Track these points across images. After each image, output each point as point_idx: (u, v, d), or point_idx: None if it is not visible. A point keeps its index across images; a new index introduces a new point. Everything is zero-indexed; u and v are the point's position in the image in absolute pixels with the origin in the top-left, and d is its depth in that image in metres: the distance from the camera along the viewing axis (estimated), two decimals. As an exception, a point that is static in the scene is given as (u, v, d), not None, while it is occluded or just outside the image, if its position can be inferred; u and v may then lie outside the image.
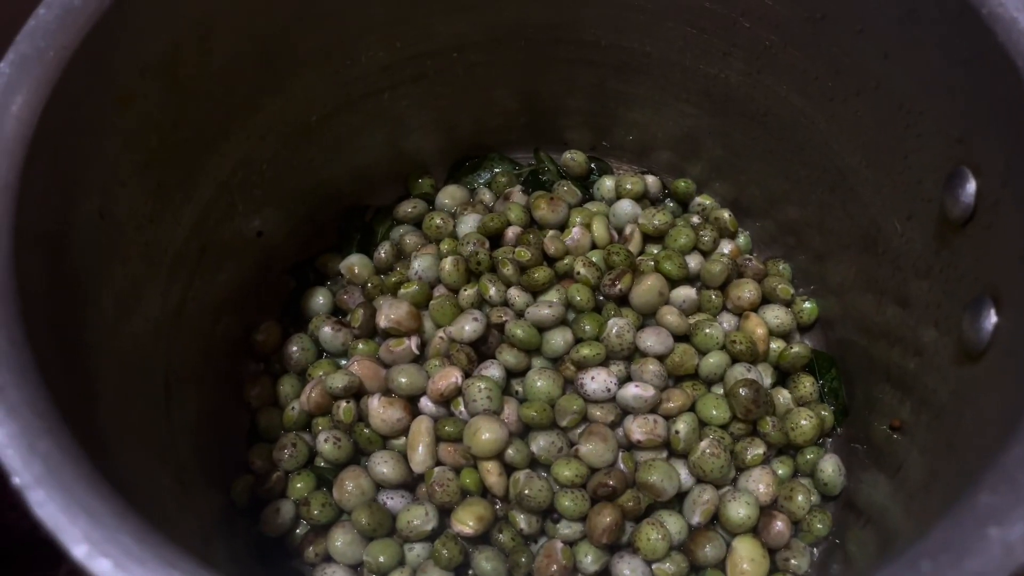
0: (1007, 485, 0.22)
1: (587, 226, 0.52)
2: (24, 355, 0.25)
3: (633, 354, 0.47)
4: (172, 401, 0.40)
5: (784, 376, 0.49)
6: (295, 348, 0.49)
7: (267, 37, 0.41)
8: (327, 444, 0.45)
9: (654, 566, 0.42)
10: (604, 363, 0.46)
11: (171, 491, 0.36)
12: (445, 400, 0.45)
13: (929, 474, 0.34)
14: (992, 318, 0.31)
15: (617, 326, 0.46)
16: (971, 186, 0.33)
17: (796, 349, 0.47)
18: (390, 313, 0.48)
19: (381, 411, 0.45)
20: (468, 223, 0.53)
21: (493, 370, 0.46)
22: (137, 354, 0.37)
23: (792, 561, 0.43)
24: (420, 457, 0.44)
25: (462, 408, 0.45)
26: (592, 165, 0.57)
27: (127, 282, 0.37)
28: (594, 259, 0.50)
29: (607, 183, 0.55)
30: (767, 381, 0.48)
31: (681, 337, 0.48)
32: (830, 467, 0.45)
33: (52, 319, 0.29)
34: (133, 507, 0.24)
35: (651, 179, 0.55)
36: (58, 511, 0.22)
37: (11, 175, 0.29)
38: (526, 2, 0.46)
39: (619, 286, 0.48)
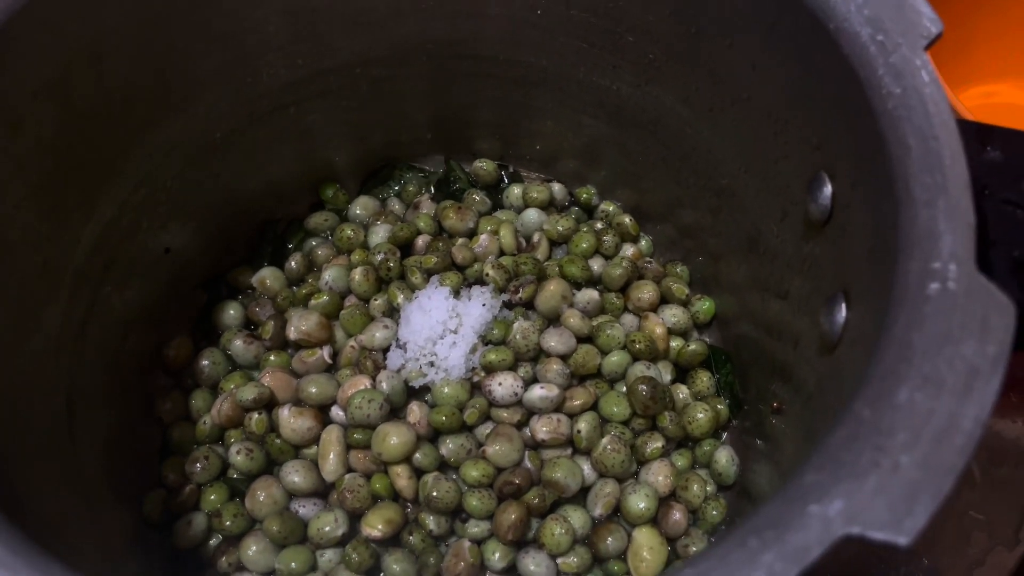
0: (831, 464, 0.24)
1: (495, 233, 0.54)
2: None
3: (538, 355, 0.49)
4: (76, 419, 0.40)
5: (683, 372, 0.51)
6: (206, 362, 0.50)
7: (162, 58, 0.42)
8: (239, 456, 0.46)
9: (559, 560, 0.44)
10: (511, 367, 0.47)
11: (76, 511, 0.37)
12: (355, 408, 0.46)
13: (796, 458, 0.36)
14: (843, 312, 0.33)
15: (522, 328, 0.48)
16: (827, 189, 0.36)
17: (693, 347, 0.50)
18: (300, 324, 0.49)
19: (292, 421, 0.46)
20: (379, 233, 0.54)
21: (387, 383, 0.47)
22: (36, 373, 0.38)
23: (691, 548, 0.45)
24: (331, 466, 0.45)
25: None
26: (502, 173, 0.58)
27: (24, 301, 0.37)
28: (504, 262, 0.52)
29: (515, 191, 0.57)
30: (666, 378, 0.50)
31: (584, 338, 0.50)
32: (724, 458, 0.47)
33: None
34: (29, 533, 0.24)
35: (557, 187, 0.57)
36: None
37: None
38: (424, 19, 0.48)
39: (521, 295, 0.50)
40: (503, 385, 0.46)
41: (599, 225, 0.56)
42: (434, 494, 0.44)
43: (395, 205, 0.57)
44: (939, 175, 0.29)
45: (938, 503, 0.23)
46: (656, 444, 0.47)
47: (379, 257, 0.52)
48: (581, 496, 0.46)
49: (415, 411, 0.46)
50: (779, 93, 0.39)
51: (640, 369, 0.48)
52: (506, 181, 0.59)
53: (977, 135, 0.37)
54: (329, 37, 0.47)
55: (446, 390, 0.47)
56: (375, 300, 0.51)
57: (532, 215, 0.56)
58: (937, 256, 0.27)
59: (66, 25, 0.37)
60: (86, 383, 0.42)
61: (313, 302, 0.51)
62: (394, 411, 0.47)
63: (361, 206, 0.57)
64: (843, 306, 0.34)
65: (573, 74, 0.50)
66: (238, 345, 0.50)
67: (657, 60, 0.45)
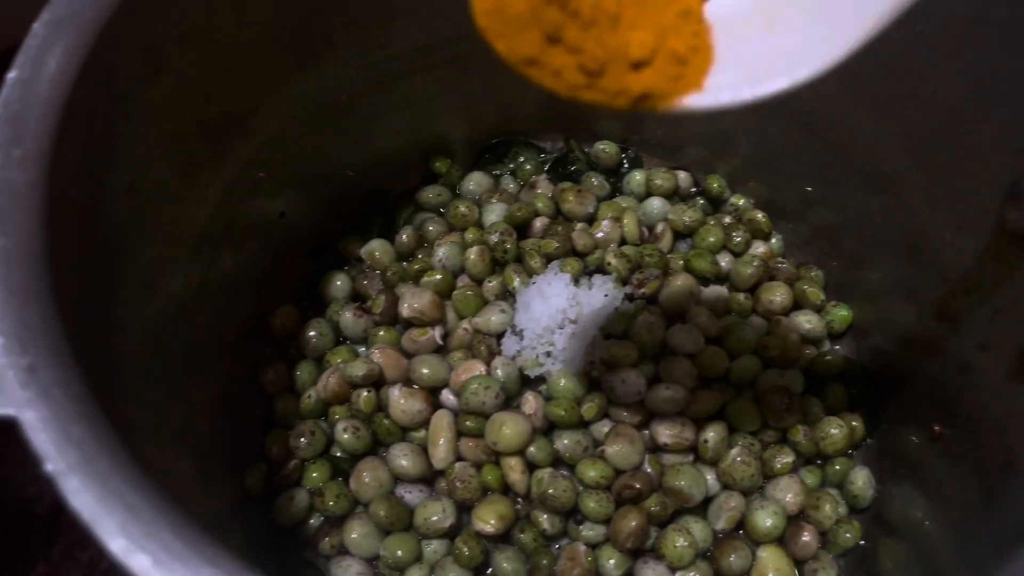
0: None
1: (617, 220, 0.51)
2: (56, 333, 0.24)
3: (661, 352, 0.46)
4: (192, 383, 0.39)
5: (814, 383, 0.48)
6: (313, 333, 0.48)
7: (304, 10, 0.40)
8: (345, 434, 0.44)
9: (679, 574, 0.41)
10: (635, 364, 0.44)
11: (193, 478, 0.35)
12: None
13: (983, 495, 0.33)
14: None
15: (647, 323, 0.45)
16: (1034, 199, 0.32)
17: (829, 357, 0.46)
18: (413, 302, 0.47)
19: (402, 402, 0.44)
20: (494, 212, 0.52)
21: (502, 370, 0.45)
22: (159, 334, 0.36)
23: (820, 573, 0.42)
24: (441, 453, 0.43)
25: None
26: (623, 157, 0.55)
27: (152, 260, 0.36)
28: (627, 251, 0.49)
29: (637, 177, 0.54)
30: (798, 388, 0.46)
31: (711, 339, 0.47)
32: (861, 479, 0.44)
33: (82, 295, 0.28)
34: (169, 498, 0.22)
35: (682, 175, 0.54)
36: (94, 501, 0.21)
37: (44, 141, 0.27)
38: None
39: (645, 289, 0.47)
40: (626, 382, 0.43)
41: (727, 219, 0.52)
42: (550, 492, 0.41)
43: (509, 184, 0.55)
44: None
45: None
46: (786, 459, 0.44)
47: (495, 237, 0.50)
48: (700, 506, 0.44)
49: (531, 402, 0.44)
50: (974, 90, 0.35)
51: (772, 377, 0.45)
52: (626, 166, 0.56)
53: None
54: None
55: (563, 382, 0.44)
56: (489, 282, 0.48)
57: (656, 204, 0.52)
58: None
59: (215, -32, 0.34)
60: (200, 348, 0.40)
61: (426, 279, 0.48)
62: (507, 400, 0.44)
63: (475, 182, 0.54)
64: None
65: (720, 55, 0.46)
66: (347, 318, 0.48)
67: (825, 45, 0.42)
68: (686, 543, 0.41)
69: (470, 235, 0.50)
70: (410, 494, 0.43)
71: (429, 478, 0.44)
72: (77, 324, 0.26)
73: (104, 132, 0.31)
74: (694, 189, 0.55)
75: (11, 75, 0.28)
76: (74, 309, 0.26)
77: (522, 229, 0.51)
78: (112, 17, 0.30)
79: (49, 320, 0.24)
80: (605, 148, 0.55)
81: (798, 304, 0.49)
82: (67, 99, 0.28)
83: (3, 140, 0.26)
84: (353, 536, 0.42)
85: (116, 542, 0.20)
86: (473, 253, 0.49)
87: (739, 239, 0.51)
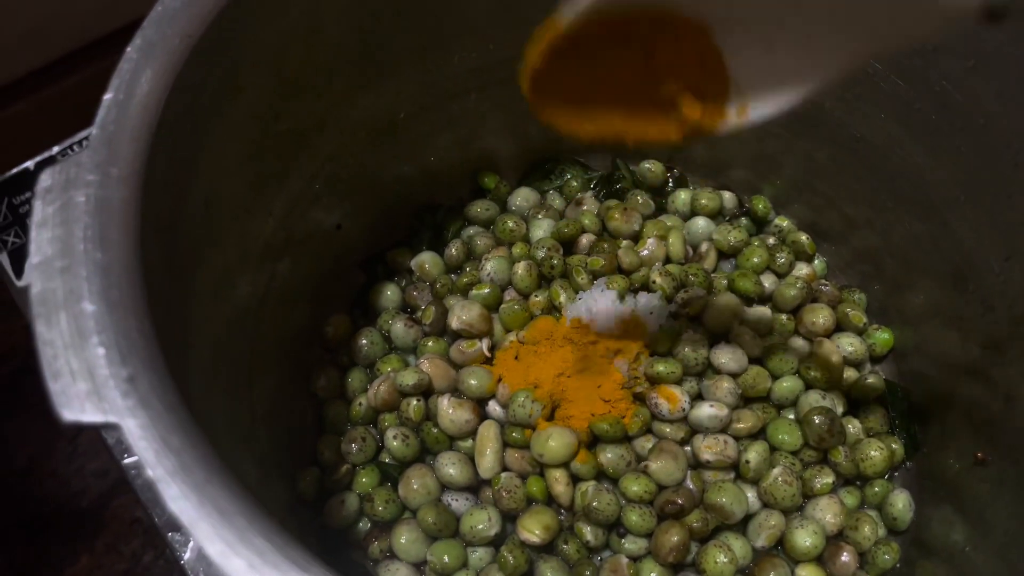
0: None
1: (662, 239, 0.52)
2: (152, 345, 0.25)
3: (705, 370, 0.47)
4: (254, 388, 0.40)
5: (854, 405, 0.48)
6: (364, 342, 0.49)
7: (370, 32, 0.41)
8: (395, 441, 0.45)
9: (718, 589, 0.42)
10: (679, 381, 0.45)
11: (256, 481, 0.37)
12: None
13: (1012, 521, 0.33)
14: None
15: (692, 341, 0.46)
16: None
17: (871, 380, 0.47)
18: (462, 315, 0.48)
19: (450, 412, 0.45)
20: (541, 228, 0.53)
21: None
22: (228, 342, 0.38)
23: (857, 593, 0.43)
24: (488, 463, 0.44)
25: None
26: (668, 176, 0.56)
27: (222, 270, 0.37)
28: (671, 270, 0.50)
29: (682, 196, 0.55)
30: (839, 410, 0.47)
31: (754, 359, 0.47)
32: (901, 502, 0.44)
33: (168, 308, 0.29)
34: (258, 509, 0.24)
35: (728, 195, 0.55)
36: (191, 508, 0.22)
37: (137, 162, 0.29)
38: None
39: (687, 310, 0.48)
40: (670, 399, 0.44)
41: (771, 240, 0.53)
42: (594, 504, 0.42)
43: (555, 200, 0.56)
44: None
45: None
46: (827, 479, 0.44)
47: (541, 253, 0.51)
48: (741, 524, 0.44)
49: (576, 416, 0.45)
50: (1027, 123, 0.36)
51: (815, 398, 0.46)
52: (671, 185, 0.57)
53: None
54: (525, 23, 0.46)
55: (608, 398, 0.45)
56: (535, 297, 0.49)
57: (700, 223, 0.53)
58: None
59: (293, -6, 0.36)
60: (261, 355, 0.42)
61: (474, 292, 0.50)
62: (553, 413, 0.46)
63: (522, 197, 0.55)
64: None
65: (771, 81, 0.47)
66: (399, 328, 0.49)
67: (876, 75, 0.42)
68: (726, 559, 0.42)
69: (517, 250, 0.52)
70: (456, 502, 0.45)
71: (475, 487, 0.45)
72: (166, 335, 0.28)
73: (187, 150, 0.32)
74: (739, 209, 0.56)
75: (107, 96, 0.30)
76: (163, 321, 0.28)
77: (568, 245, 0.52)
78: (198, 42, 0.32)
79: (145, 332, 0.26)
80: (651, 167, 0.56)
81: (840, 326, 0.50)
82: (157, 119, 0.30)
83: (101, 160, 0.28)
84: (401, 541, 0.43)
85: (213, 546, 0.22)
86: (520, 268, 0.50)
87: (783, 260, 0.51)
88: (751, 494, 0.44)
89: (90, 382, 0.24)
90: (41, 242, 0.26)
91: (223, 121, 0.35)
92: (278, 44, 0.37)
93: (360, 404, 0.47)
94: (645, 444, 0.45)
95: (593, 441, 0.45)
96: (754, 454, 0.44)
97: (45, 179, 0.27)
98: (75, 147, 0.52)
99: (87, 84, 0.64)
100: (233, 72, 0.35)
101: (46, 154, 0.52)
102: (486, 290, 0.50)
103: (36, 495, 0.66)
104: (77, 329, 0.24)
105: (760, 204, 0.54)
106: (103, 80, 0.30)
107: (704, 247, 0.52)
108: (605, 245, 0.51)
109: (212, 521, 0.22)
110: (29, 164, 0.52)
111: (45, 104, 0.67)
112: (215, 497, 0.23)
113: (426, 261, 0.52)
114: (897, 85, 0.42)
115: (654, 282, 0.49)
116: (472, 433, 0.46)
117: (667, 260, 0.52)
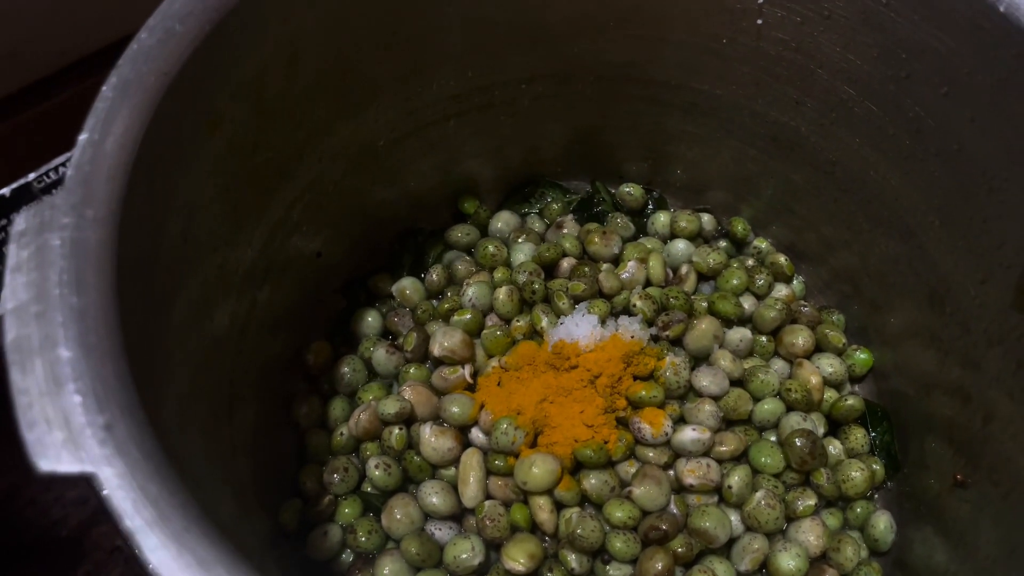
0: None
1: (642, 261, 0.52)
2: (130, 389, 0.25)
3: (687, 393, 0.47)
4: (234, 418, 0.40)
5: (835, 426, 0.49)
6: (346, 369, 0.49)
7: (350, 60, 0.41)
8: (377, 470, 0.45)
9: (704, 614, 0.42)
10: (660, 404, 0.46)
11: (233, 514, 0.36)
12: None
13: (1008, 549, 0.33)
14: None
15: (672, 365, 0.46)
16: (1059, 260, 0.33)
17: (850, 401, 0.47)
18: (444, 341, 0.48)
19: (433, 440, 0.45)
20: (522, 252, 0.53)
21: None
22: (207, 372, 0.37)
23: (841, 615, 0.43)
24: (471, 491, 0.44)
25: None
26: (648, 199, 0.57)
27: (201, 303, 0.37)
28: (652, 293, 0.50)
29: (662, 218, 0.55)
30: (819, 431, 0.47)
31: (735, 381, 0.48)
32: (882, 523, 0.44)
33: (146, 346, 0.29)
34: (237, 556, 0.23)
35: (707, 218, 0.55)
36: (170, 559, 0.22)
37: (113, 202, 0.28)
38: (602, 40, 0.46)
39: (669, 333, 0.48)
40: (653, 423, 0.45)
41: (750, 262, 0.54)
42: (579, 532, 0.42)
43: (536, 223, 0.56)
44: None
45: None
46: (809, 501, 0.45)
47: (523, 277, 0.51)
48: (725, 548, 0.44)
49: (559, 442, 0.45)
50: (1002, 150, 0.37)
51: (795, 420, 0.46)
52: (651, 207, 0.57)
53: None
54: (504, 51, 0.46)
55: (591, 423, 0.45)
56: (517, 322, 0.49)
57: (680, 246, 0.54)
58: None
59: (270, 25, 0.36)
60: (241, 384, 0.42)
61: (456, 318, 0.50)
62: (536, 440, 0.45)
63: (503, 221, 0.55)
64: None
65: (748, 105, 0.48)
66: (380, 354, 0.49)
67: (850, 100, 0.43)
68: (711, 584, 0.42)
69: (499, 274, 0.52)
70: (440, 531, 0.44)
71: (459, 515, 0.45)
72: (143, 374, 0.27)
73: (165, 186, 0.32)
74: (718, 231, 0.56)
75: (82, 137, 0.29)
76: (140, 359, 0.28)
77: (549, 268, 0.52)
78: (175, 79, 0.31)
79: (122, 375, 0.25)
80: (630, 191, 0.56)
81: (820, 347, 0.50)
82: (134, 158, 0.30)
83: (76, 201, 0.28)
84: (385, 572, 0.43)
85: (192, 597, 0.22)
86: (502, 293, 0.50)
87: (762, 282, 0.52)
88: (735, 517, 0.44)
89: (66, 431, 0.23)
90: (16, 287, 0.26)
91: (201, 155, 0.35)
92: (256, 76, 0.37)
93: (342, 433, 0.47)
94: (628, 469, 0.45)
95: (576, 467, 0.45)
96: (736, 479, 0.44)
97: (19, 222, 0.27)
98: (51, 173, 0.51)
99: (63, 109, 0.64)
100: (210, 106, 0.34)
101: (22, 180, 0.51)
102: (468, 316, 0.50)
103: (15, 524, 0.65)
104: (52, 376, 0.24)
105: (739, 226, 0.54)
106: (80, 104, 0.30)
107: (684, 269, 0.53)
108: (586, 269, 0.51)
109: (191, 571, 0.22)
110: (5, 191, 0.51)
111: (20, 129, 0.67)
112: (194, 547, 0.22)
113: (407, 287, 0.52)
114: (871, 111, 0.42)
115: (635, 305, 0.49)
116: (455, 461, 0.45)
117: (647, 283, 0.52)
